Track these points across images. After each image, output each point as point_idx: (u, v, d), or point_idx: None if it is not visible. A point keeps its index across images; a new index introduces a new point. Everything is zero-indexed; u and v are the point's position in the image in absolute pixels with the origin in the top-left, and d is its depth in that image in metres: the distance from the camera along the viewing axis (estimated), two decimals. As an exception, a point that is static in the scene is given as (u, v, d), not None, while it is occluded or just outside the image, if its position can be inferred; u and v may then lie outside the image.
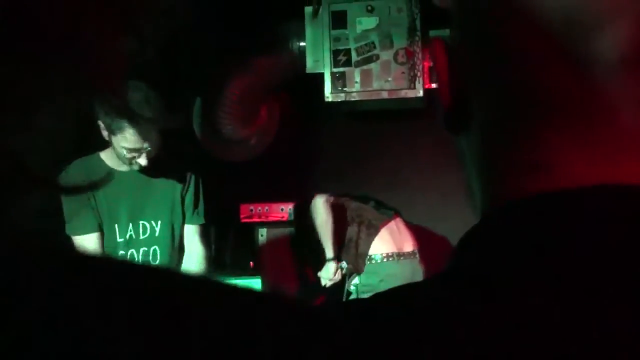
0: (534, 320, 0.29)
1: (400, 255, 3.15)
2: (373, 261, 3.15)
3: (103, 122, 2.32)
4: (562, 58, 0.34)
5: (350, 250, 3.19)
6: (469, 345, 0.28)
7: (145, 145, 2.32)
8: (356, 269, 3.19)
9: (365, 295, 0.33)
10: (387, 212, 3.26)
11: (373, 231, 3.17)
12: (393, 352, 0.28)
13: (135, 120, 2.25)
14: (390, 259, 3.15)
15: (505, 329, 0.29)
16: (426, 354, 0.28)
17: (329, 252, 3.16)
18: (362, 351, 0.28)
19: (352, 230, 3.19)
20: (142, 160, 2.35)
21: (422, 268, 3.13)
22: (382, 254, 3.14)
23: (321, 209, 3.16)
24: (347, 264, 3.21)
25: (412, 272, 3.07)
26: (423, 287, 0.34)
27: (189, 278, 0.30)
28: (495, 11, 0.37)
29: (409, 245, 3.18)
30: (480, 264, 0.35)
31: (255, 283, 2.26)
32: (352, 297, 3.21)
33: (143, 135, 2.29)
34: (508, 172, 0.38)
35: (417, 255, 3.17)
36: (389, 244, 3.16)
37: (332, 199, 3.20)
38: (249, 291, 0.30)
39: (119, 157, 2.38)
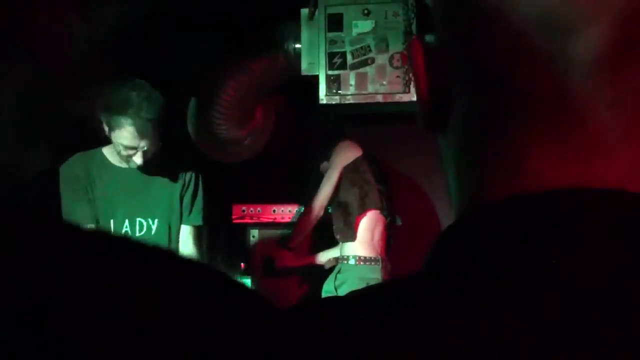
0: (503, 328, 0.29)
1: (373, 260, 3.17)
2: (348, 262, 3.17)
3: (103, 118, 2.33)
4: (538, 59, 0.34)
5: (340, 212, 3.20)
6: (438, 350, 0.28)
7: (142, 144, 2.31)
8: (343, 236, 3.19)
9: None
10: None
11: (364, 208, 3.18)
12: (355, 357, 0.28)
13: (133, 118, 2.26)
14: (366, 264, 3.15)
15: (472, 335, 0.29)
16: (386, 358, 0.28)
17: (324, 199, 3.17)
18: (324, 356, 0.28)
19: (349, 194, 3.20)
20: (138, 159, 2.35)
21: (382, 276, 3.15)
22: (356, 257, 3.16)
23: (344, 156, 3.22)
24: (334, 230, 3.21)
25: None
26: (394, 288, 0.34)
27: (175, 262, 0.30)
28: (471, 12, 0.37)
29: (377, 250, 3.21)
30: (452, 268, 0.34)
31: (245, 284, 2.25)
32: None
33: (141, 133, 2.29)
34: (482, 173, 0.38)
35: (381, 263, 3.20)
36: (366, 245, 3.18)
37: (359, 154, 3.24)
38: (223, 287, 0.29)
39: (117, 153, 2.38)
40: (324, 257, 3.39)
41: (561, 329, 0.29)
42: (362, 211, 3.20)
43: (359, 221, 3.20)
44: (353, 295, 0.34)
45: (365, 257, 3.17)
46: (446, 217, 2.92)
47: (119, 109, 2.27)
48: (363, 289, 0.34)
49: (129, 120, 2.27)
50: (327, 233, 3.29)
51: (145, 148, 2.33)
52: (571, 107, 0.34)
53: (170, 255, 0.29)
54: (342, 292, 2.99)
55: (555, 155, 0.35)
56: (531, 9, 0.34)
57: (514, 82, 0.35)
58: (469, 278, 0.32)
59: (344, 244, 3.22)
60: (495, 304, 0.30)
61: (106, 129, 2.35)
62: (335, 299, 0.34)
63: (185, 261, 0.29)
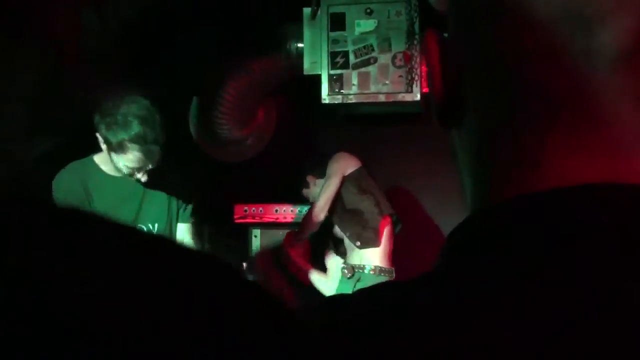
0: (523, 326, 0.28)
1: (388, 272, 3.13)
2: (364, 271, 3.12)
3: (102, 137, 2.29)
4: (559, 53, 0.33)
5: (355, 220, 3.16)
6: (453, 350, 0.27)
7: (149, 165, 2.31)
8: (364, 241, 3.14)
9: None
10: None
11: (380, 215, 3.16)
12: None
13: (139, 144, 2.23)
14: (382, 274, 3.12)
15: (492, 334, 0.28)
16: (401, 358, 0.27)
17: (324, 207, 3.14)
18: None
19: (361, 201, 3.17)
20: (143, 177, 2.34)
21: None
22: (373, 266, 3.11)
23: (343, 163, 3.20)
24: (349, 237, 3.17)
25: None
26: (409, 287, 0.33)
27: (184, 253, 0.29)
28: (490, 6, 0.36)
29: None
30: (467, 266, 0.34)
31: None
32: None
33: (147, 157, 2.27)
34: (499, 170, 0.37)
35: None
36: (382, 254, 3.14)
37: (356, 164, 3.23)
38: (236, 282, 0.29)
39: (117, 169, 2.36)
40: (331, 263, 3.33)
41: (575, 332, 0.28)
42: (382, 217, 3.17)
43: (382, 227, 3.16)
44: (364, 294, 0.33)
45: (381, 268, 3.11)
46: (452, 216, 2.91)
47: (121, 131, 2.23)
48: (375, 287, 0.34)
49: (136, 146, 2.24)
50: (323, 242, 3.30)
51: (152, 166, 2.33)
52: (593, 101, 0.33)
53: (189, 252, 0.28)
54: None
55: (576, 151, 0.34)
56: (554, 1, 0.33)
57: (534, 77, 0.34)
58: (486, 277, 0.31)
59: (360, 251, 3.14)
60: (516, 306, 0.29)
61: (102, 141, 2.31)
62: (348, 298, 0.34)
63: (202, 257, 0.28)
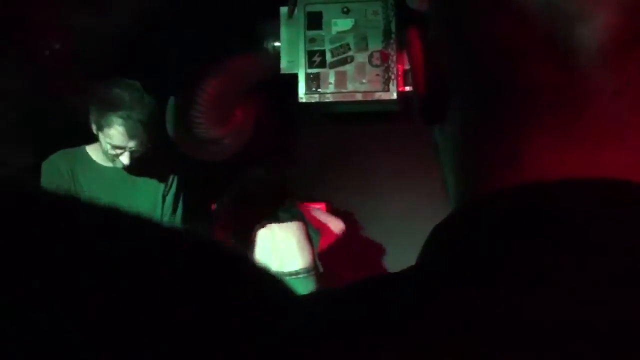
0: (502, 321, 0.28)
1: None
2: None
3: (92, 115, 2.30)
4: (543, 47, 0.34)
5: None
6: (433, 342, 0.28)
7: (131, 144, 2.30)
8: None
9: None
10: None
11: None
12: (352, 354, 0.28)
13: (124, 118, 2.24)
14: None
15: (472, 329, 0.28)
16: (386, 354, 0.28)
17: None
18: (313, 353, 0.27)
19: None
20: (125, 159, 2.33)
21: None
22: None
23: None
24: None
25: None
26: (392, 282, 0.33)
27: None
28: (475, 4, 0.36)
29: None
30: (449, 261, 0.34)
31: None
32: None
33: (130, 133, 2.27)
34: (481, 165, 0.37)
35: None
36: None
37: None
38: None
39: (104, 152, 2.36)
40: None
41: (550, 330, 0.28)
42: None
43: None
44: (356, 288, 0.33)
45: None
46: (428, 215, 2.94)
47: (110, 108, 2.25)
48: (364, 282, 0.34)
49: (120, 120, 2.25)
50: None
51: (134, 148, 2.32)
52: (573, 96, 0.34)
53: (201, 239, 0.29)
54: None
55: (556, 145, 0.35)
56: None
57: (516, 72, 0.35)
58: (466, 272, 0.32)
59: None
60: (492, 301, 0.29)
61: (94, 126, 2.32)
62: (343, 291, 0.34)
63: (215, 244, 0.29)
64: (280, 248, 2.94)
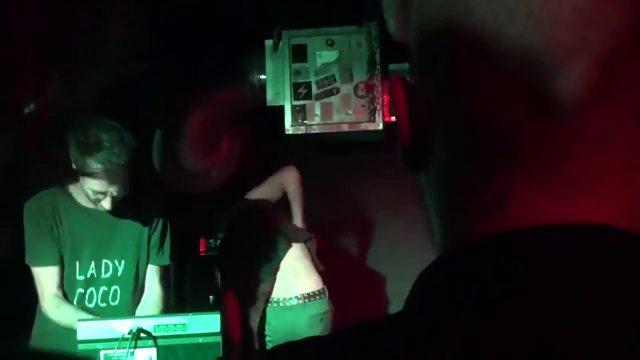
0: None
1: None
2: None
3: (72, 157, 2.27)
4: (523, 96, 0.34)
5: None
6: None
7: (112, 189, 2.26)
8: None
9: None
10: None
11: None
12: None
13: (103, 163, 2.20)
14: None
15: None
16: None
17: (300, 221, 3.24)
18: None
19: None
20: (106, 204, 2.29)
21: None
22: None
23: (296, 180, 3.31)
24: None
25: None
26: (374, 331, 0.34)
27: None
28: (453, 50, 0.37)
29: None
30: (433, 309, 0.34)
31: (215, 319, 2.21)
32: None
33: (110, 178, 2.23)
34: (464, 211, 0.38)
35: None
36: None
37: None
38: None
39: (85, 194, 2.32)
40: None
41: None
42: None
43: None
44: (344, 335, 0.34)
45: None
46: (414, 247, 2.93)
47: (89, 151, 2.21)
48: (355, 327, 0.34)
49: (99, 166, 2.20)
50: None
51: (115, 193, 2.29)
52: (552, 145, 0.34)
53: None
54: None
55: (537, 191, 0.35)
56: (515, 47, 0.34)
57: (496, 121, 0.35)
58: (449, 320, 0.32)
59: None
60: (474, 348, 0.30)
61: (75, 167, 2.28)
62: (331, 338, 0.34)
63: None
64: (296, 268, 3.14)
